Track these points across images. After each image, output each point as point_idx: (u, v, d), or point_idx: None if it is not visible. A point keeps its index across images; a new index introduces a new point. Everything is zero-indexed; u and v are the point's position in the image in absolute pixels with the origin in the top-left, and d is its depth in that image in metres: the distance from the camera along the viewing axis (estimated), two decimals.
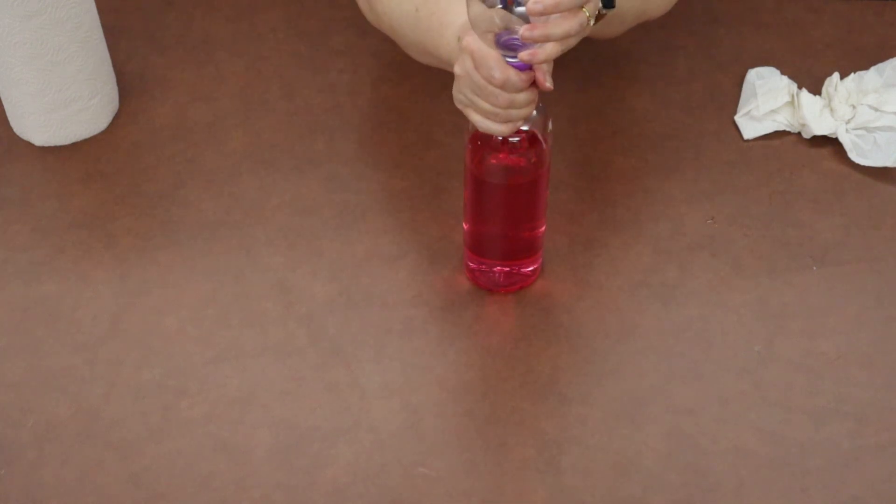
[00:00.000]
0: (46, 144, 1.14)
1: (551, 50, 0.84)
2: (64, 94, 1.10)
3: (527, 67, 0.86)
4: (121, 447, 0.92)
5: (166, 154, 1.14)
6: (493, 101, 0.86)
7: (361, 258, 1.05)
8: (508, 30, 0.84)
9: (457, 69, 0.88)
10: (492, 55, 0.85)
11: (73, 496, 0.90)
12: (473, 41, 0.86)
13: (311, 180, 1.11)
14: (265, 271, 1.04)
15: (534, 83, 0.88)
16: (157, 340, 0.99)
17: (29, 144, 1.14)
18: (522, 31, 0.83)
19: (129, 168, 1.12)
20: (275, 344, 0.99)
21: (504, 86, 0.85)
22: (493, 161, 0.92)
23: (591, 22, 0.85)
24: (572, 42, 0.86)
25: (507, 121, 0.88)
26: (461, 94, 0.89)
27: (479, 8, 0.83)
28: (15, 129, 1.15)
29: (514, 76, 0.85)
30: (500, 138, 0.91)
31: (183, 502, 0.89)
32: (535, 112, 0.90)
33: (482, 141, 0.92)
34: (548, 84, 0.87)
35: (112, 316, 1.01)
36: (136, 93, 1.19)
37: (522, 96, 0.87)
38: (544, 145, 0.92)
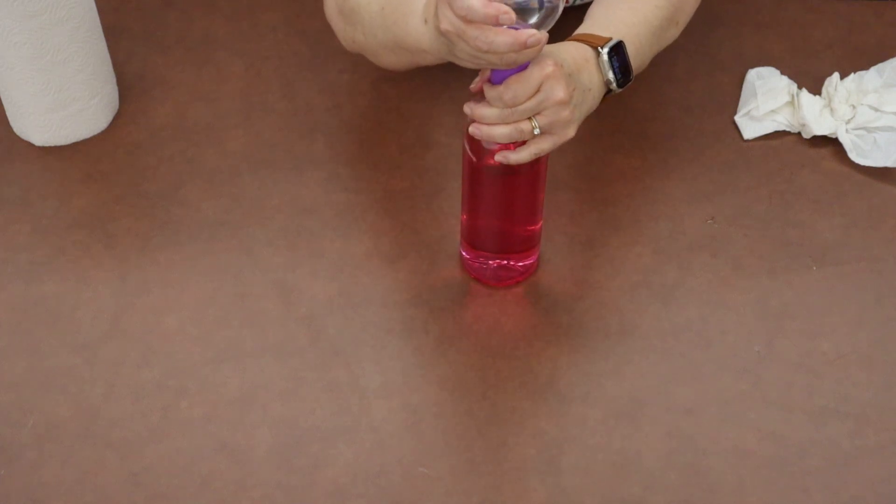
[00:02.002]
0: (46, 144, 1.14)
1: (521, 156, 0.91)
2: (64, 94, 1.10)
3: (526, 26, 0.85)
4: (121, 447, 0.92)
5: (166, 154, 1.14)
6: (474, 44, 0.84)
7: (361, 258, 1.05)
8: None
9: (443, 26, 0.85)
10: None
11: (73, 496, 0.90)
12: None
13: (311, 180, 1.11)
14: (265, 271, 1.04)
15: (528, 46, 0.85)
16: (157, 340, 0.99)
17: (29, 144, 1.14)
18: (471, 129, 0.91)
19: (129, 168, 1.12)
20: (275, 344, 0.99)
21: (469, 14, 0.82)
22: (492, 153, 0.92)
23: (536, 132, 0.90)
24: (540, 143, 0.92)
25: (508, 65, 0.86)
26: (466, 55, 0.87)
27: None
28: (15, 129, 1.15)
29: (477, 4, 0.81)
30: None
31: (183, 502, 0.89)
32: None
33: None
34: (534, 38, 0.85)
35: (112, 316, 1.01)
36: (136, 93, 1.19)
37: (503, 39, 0.83)
38: None
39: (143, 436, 0.93)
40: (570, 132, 0.92)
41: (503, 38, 0.83)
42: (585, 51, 0.95)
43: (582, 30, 0.99)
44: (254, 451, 0.92)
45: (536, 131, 0.90)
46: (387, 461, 0.91)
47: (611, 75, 0.95)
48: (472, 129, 0.91)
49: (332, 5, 1.07)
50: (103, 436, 0.93)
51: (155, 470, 0.91)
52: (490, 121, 0.90)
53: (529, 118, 0.90)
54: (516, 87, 0.88)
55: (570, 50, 0.94)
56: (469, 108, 0.91)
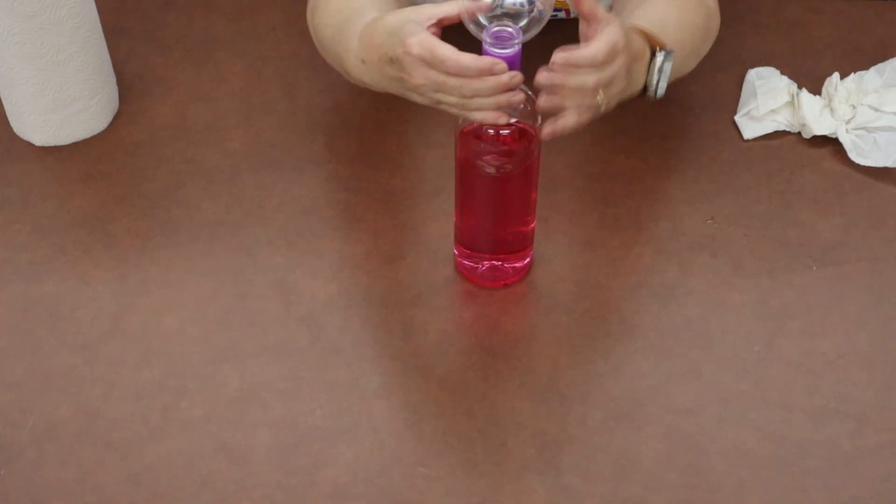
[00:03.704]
0: (46, 144, 1.14)
1: (569, 121, 0.86)
2: (64, 94, 1.10)
3: (511, 60, 0.86)
4: (121, 447, 0.92)
5: (166, 154, 1.14)
6: (458, 92, 0.85)
7: (361, 258, 1.05)
8: (496, 21, 0.84)
9: (416, 80, 0.86)
10: (441, 49, 0.83)
11: (73, 496, 0.90)
12: (416, 45, 0.84)
13: (311, 180, 1.11)
14: (265, 271, 1.04)
15: (514, 69, 0.86)
16: (157, 340, 0.99)
17: (29, 144, 1.14)
18: (539, 101, 0.85)
19: (129, 168, 1.12)
20: (275, 344, 0.99)
21: (462, 72, 0.84)
22: (483, 153, 0.92)
23: (603, 107, 0.86)
24: (584, 119, 0.87)
25: (478, 108, 0.86)
26: (429, 98, 0.88)
27: (466, 2, 0.84)
28: (15, 129, 1.15)
29: (469, 60, 0.83)
30: (491, 130, 0.91)
31: (183, 502, 0.89)
32: (523, 105, 0.90)
33: (472, 132, 0.92)
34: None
35: (112, 316, 1.01)
36: (136, 93, 1.19)
37: (488, 83, 0.84)
38: (534, 137, 0.92)
39: (143, 436, 0.93)
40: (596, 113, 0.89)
41: (489, 83, 0.83)
42: (642, 45, 0.91)
43: (637, 23, 0.95)
44: (254, 451, 0.92)
45: (602, 108, 0.87)
46: (387, 461, 0.91)
47: (655, 80, 0.92)
48: (542, 101, 0.86)
49: (308, 17, 1.08)
50: (103, 436, 0.93)
51: (155, 470, 0.91)
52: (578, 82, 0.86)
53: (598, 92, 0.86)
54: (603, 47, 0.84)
55: (634, 37, 0.90)
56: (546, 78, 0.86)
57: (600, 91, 0.86)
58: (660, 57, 0.92)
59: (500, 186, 0.94)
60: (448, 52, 0.84)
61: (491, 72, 0.83)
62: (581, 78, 0.85)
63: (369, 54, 0.90)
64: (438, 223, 1.07)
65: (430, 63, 0.85)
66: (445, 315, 1.00)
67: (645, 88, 0.95)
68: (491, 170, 0.92)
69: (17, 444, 0.93)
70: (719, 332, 0.99)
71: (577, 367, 0.97)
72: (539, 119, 0.92)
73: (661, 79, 0.93)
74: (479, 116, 0.88)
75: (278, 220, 1.08)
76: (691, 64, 1.05)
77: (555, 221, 1.07)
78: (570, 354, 0.98)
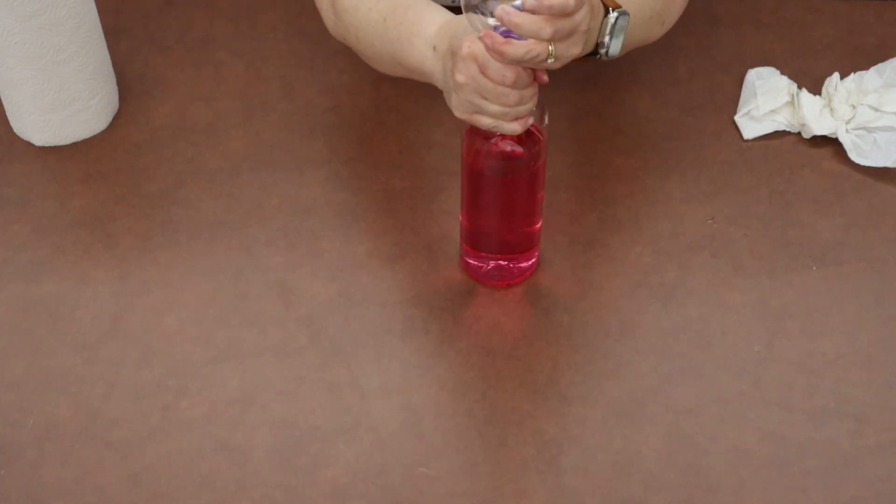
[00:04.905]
0: (46, 144, 1.14)
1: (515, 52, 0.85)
2: (64, 94, 1.10)
3: None
4: (121, 447, 0.92)
5: (166, 154, 1.14)
6: (504, 100, 0.87)
7: (361, 258, 1.05)
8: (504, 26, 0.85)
9: (459, 77, 0.88)
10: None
11: (73, 496, 0.90)
12: (475, 47, 0.86)
13: (311, 180, 1.11)
14: (265, 271, 1.04)
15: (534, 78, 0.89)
16: (157, 340, 0.99)
17: (29, 144, 1.14)
18: (497, 10, 0.82)
19: (129, 168, 1.12)
20: (275, 344, 0.99)
21: (516, 83, 0.86)
22: (490, 154, 0.92)
23: (550, 60, 0.85)
24: (534, 63, 0.86)
25: (516, 118, 0.89)
26: (466, 101, 0.89)
27: (474, 11, 0.84)
28: (15, 129, 1.15)
29: (524, 72, 0.86)
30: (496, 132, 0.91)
31: (183, 502, 0.89)
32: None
33: (478, 134, 0.92)
34: (544, 78, 0.89)
35: (112, 316, 1.01)
36: (136, 93, 1.19)
37: (528, 91, 0.88)
38: (541, 138, 0.92)
39: (143, 436, 0.93)
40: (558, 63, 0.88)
41: (532, 91, 0.88)
42: (598, 3, 0.90)
43: None
44: (254, 451, 0.92)
45: (551, 60, 0.86)
46: (387, 461, 0.91)
47: (607, 39, 0.92)
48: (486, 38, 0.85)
49: (329, 2, 1.05)
50: (103, 436, 0.93)
51: (155, 470, 0.91)
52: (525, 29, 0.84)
53: (549, 42, 0.85)
54: None
55: None
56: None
57: (551, 44, 0.84)
58: (613, 16, 0.91)
59: (507, 187, 0.94)
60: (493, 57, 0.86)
61: (535, 78, 0.86)
62: (537, 26, 0.82)
63: (442, 42, 0.92)
64: (438, 223, 1.07)
65: (482, 66, 0.86)
66: (445, 315, 1.00)
67: (597, 48, 0.93)
68: (497, 170, 0.92)
69: (17, 444, 0.93)
70: (719, 332, 0.99)
71: (577, 367, 0.97)
72: (545, 120, 0.93)
73: (614, 38, 0.92)
74: (510, 128, 0.89)
75: (278, 220, 1.08)
76: (656, 30, 1.03)
77: (555, 221, 1.07)
78: (570, 354, 0.98)
